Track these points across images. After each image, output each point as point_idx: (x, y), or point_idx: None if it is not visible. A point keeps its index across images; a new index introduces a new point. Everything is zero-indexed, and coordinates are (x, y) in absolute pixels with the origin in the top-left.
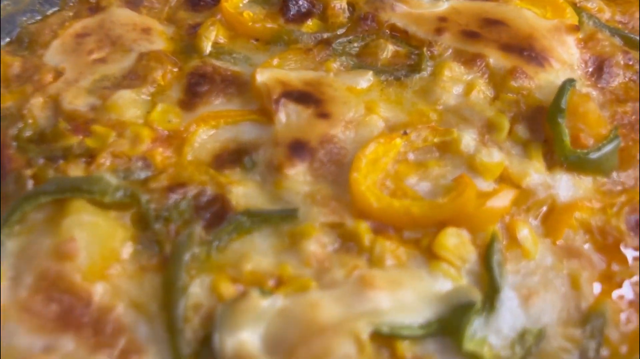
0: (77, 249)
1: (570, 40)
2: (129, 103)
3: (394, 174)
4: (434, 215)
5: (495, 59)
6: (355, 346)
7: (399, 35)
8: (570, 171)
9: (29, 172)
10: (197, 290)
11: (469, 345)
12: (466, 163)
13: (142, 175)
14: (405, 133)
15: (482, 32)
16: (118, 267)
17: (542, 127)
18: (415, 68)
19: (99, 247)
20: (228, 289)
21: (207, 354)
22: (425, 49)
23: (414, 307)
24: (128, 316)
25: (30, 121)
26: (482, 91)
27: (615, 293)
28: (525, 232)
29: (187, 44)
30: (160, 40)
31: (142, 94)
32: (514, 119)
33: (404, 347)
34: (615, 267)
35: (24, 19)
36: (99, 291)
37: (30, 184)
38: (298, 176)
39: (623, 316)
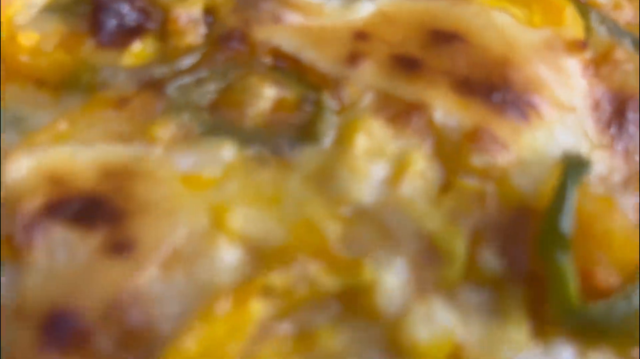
0: None
1: (573, 65)
2: None
3: None
4: None
5: (445, 109)
6: None
7: (286, 66)
8: (574, 339)
9: None
10: None
11: None
12: (385, 339)
13: None
14: (267, 291)
15: (425, 57)
16: None
17: (526, 253)
18: (308, 132)
19: None
20: None
21: None
22: (326, 94)
23: None
24: None
25: None
26: (422, 175)
27: None
28: None
29: None
30: None
31: None
32: (476, 236)
33: None
34: None
35: None
36: None
37: None
38: None
39: None
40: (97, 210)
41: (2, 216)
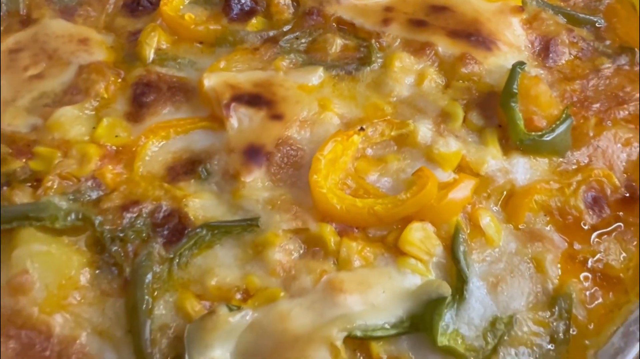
0: (31, 281)
1: (516, 22)
2: (73, 120)
3: (354, 172)
4: (397, 212)
5: (444, 46)
6: (329, 353)
7: (347, 28)
8: (526, 154)
9: None
10: (162, 311)
11: (442, 339)
12: (424, 155)
13: (94, 195)
14: (361, 129)
15: (428, 20)
16: (77, 295)
17: (496, 113)
18: (365, 61)
19: (54, 276)
20: (194, 307)
21: None
22: (373, 41)
23: (384, 307)
24: (92, 344)
25: None
26: (433, 80)
27: (579, 272)
28: (487, 220)
29: (128, 52)
30: (99, 51)
31: (86, 109)
32: (467, 106)
33: (379, 348)
34: (577, 246)
35: None
36: (58, 322)
37: None
38: (256, 182)
39: (588, 294)
40: (258, 100)
41: (214, 103)
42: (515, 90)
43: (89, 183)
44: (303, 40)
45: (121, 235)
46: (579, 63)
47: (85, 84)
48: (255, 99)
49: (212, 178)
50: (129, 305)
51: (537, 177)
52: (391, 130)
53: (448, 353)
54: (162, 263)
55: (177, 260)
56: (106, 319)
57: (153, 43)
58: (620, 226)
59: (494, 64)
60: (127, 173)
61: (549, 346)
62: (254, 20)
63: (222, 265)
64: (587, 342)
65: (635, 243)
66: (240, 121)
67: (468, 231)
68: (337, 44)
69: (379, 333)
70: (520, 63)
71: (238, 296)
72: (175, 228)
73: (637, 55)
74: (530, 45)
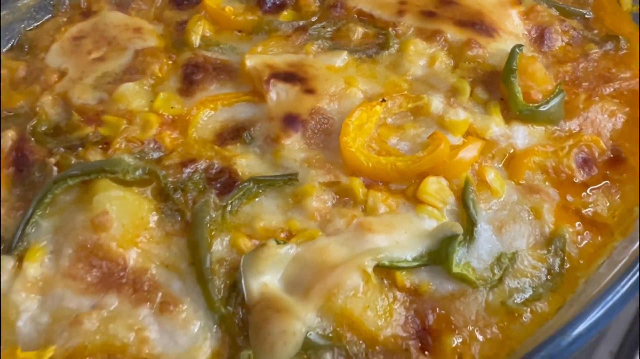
0: (111, 220)
1: (514, 13)
2: (134, 94)
3: (377, 137)
4: (415, 168)
5: (452, 33)
6: (362, 278)
7: (366, 19)
8: (525, 123)
9: (52, 160)
10: (219, 248)
11: (456, 269)
12: (437, 123)
13: (155, 155)
14: (383, 100)
15: (438, 11)
16: (147, 234)
17: (498, 88)
18: (383, 46)
19: (129, 217)
20: (246, 244)
21: (236, 297)
22: (390, 29)
23: (407, 244)
24: (161, 275)
25: (43, 117)
26: (443, 62)
27: (572, 220)
28: (492, 175)
29: (176, 39)
30: (151, 38)
31: (144, 86)
32: (473, 83)
33: (402, 276)
34: (570, 198)
35: (22, 26)
36: (132, 256)
37: (55, 171)
38: (293, 145)
39: (579, 237)
40: (293, 77)
41: (255, 80)
42: (514, 67)
43: (151, 145)
44: (329, 29)
45: (182, 186)
46: (570, 49)
47: (141, 65)
48: (291, 77)
49: (255, 142)
50: (191, 243)
51: (535, 142)
52: (408, 102)
53: (461, 280)
54: (216, 209)
55: (229, 208)
56: (172, 254)
57: (199, 31)
58: (607, 183)
59: (495, 48)
60: (183, 138)
61: (547, 277)
62: (285, 12)
63: (267, 212)
64: (578, 274)
65: (619, 196)
66: (279, 94)
67: (476, 185)
68: (358, 31)
69: (403, 264)
70: (519, 45)
71: (282, 235)
72: (227, 182)
73: (621, 42)
74: (527, 33)
